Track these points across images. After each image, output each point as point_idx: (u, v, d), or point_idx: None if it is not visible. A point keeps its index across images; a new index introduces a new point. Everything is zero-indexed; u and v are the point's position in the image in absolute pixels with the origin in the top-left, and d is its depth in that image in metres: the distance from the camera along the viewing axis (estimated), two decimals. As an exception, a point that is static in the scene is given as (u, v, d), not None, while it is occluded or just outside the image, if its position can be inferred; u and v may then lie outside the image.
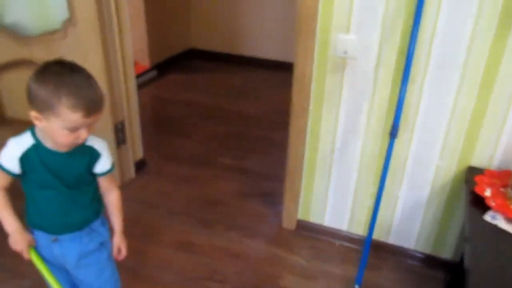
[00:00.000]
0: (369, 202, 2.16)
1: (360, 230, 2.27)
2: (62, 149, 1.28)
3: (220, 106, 3.88)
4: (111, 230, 1.52)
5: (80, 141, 1.24)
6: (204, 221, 2.45)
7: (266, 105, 3.88)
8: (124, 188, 2.69)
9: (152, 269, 2.12)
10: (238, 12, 4.57)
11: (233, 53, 4.73)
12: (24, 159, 1.27)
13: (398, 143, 1.95)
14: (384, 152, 1.93)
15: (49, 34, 2.39)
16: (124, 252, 1.52)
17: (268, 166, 2.96)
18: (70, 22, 2.30)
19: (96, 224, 1.46)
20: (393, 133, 1.74)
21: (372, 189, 2.13)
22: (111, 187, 1.47)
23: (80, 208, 1.40)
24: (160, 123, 3.64)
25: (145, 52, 4.23)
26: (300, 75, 1.97)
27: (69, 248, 1.41)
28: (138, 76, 4.05)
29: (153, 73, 4.32)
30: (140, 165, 2.84)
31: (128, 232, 2.31)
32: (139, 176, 2.81)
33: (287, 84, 2.11)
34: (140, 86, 4.10)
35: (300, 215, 2.36)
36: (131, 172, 2.76)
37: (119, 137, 2.57)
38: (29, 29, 2.46)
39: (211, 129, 3.47)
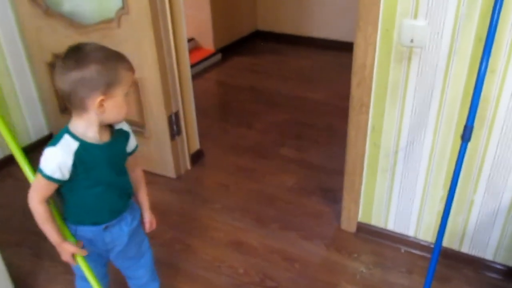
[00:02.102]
0: (439, 206, 1.96)
1: (429, 236, 2.07)
2: (114, 124, 1.34)
3: (285, 92, 3.75)
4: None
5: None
6: (260, 219, 2.37)
7: (334, 90, 3.69)
8: (179, 180, 2.70)
9: (200, 269, 2.08)
10: (306, -10, 4.38)
11: (300, 34, 4.57)
12: (77, 163, 1.25)
13: (473, 142, 1.73)
14: (456, 153, 1.73)
15: (105, 23, 2.40)
16: (154, 225, 1.60)
17: (331, 158, 2.81)
18: (123, 10, 2.29)
19: (131, 201, 1.51)
20: (466, 136, 1.53)
21: (443, 193, 1.93)
22: (136, 163, 1.51)
23: (125, 191, 1.45)
24: (221, 110, 3.60)
25: (209, 36, 4.19)
26: (360, 66, 1.80)
27: (119, 231, 1.45)
28: (202, 60, 4.07)
29: (217, 57, 4.28)
30: (196, 156, 2.81)
31: (178, 226, 2.32)
32: (195, 167, 2.79)
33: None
34: (203, 71, 4.11)
35: (361, 217, 2.20)
36: (187, 164, 2.74)
37: (174, 129, 2.55)
38: (86, 17, 2.49)
39: (274, 117, 3.37)
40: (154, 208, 2.43)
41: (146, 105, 2.49)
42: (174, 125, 2.55)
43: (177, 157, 2.64)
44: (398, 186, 2.02)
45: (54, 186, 1.28)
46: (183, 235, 2.29)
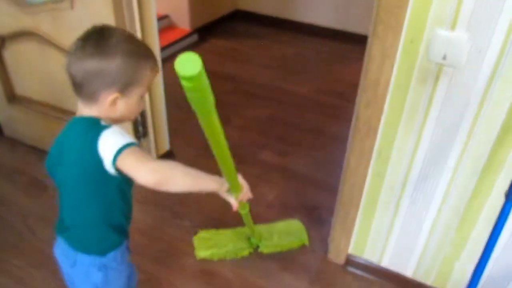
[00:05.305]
0: (448, 250, 1.56)
1: (429, 279, 1.69)
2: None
3: (266, 82, 3.26)
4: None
5: None
6: (235, 242, 1.94)
7: (320, 83, 3.23)
8: (145, 189, 2.21)
9: (163, 309, 1.65)
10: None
11: (284, 17, 4.01)
12: None
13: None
14: (478, 197, 1.33)
15: (54, 3, 1.86)
16: None
17: (317, 167, 2.38)
18: (76, -12, 1.76)
19: None
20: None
21: (455, 235, 1.53)
22: None
23: None
24: (196, 101, 3.09)
25: (185, 14, 3.62)
26: (372, 82, 1.34)
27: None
28: (176, 41, 3.52)
29: (194, 37, 3.71)
30: (166, 159, 2.33)
31: (142, 249, 1.87)
32: (164, 172, 2.31)
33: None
34: (178, 53, 3.56)
35: (352, 249, 1.80)
36: (154, 169, 2.26)
37: (139, 131, 2.06)
38: (33, -6, 1.94)
39: (253, 112, 2.90)
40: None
41: (106, 102, 1.99)
42: (140, 126, 2.06)
43: (142, 162, 2.16)
44: (401, 222, 1.61)
45: None
46: (147, 261, 1.83)
